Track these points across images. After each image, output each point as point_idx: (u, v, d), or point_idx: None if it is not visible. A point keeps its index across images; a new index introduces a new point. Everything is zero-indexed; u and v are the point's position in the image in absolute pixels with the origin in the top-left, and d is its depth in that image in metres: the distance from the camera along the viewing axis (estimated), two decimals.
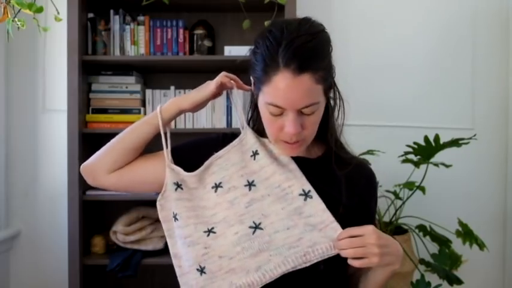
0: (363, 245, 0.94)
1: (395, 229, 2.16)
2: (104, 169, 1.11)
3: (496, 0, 2.47)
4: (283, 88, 0.93)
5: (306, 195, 1.01)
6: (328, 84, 1.00)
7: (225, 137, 1.14)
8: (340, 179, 1.08)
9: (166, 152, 1.10)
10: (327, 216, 1.00)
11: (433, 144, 2.02)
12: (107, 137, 2.32)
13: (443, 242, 2.14)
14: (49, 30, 1.43)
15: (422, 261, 2.11)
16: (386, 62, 2.44)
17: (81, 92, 2.13)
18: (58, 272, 2.33)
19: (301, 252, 0.98)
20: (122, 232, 2.15)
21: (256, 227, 1.00)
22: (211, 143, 1.14)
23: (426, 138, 2.02)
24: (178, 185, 1.06)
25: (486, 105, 2.46)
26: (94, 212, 2.30)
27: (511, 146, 2.45)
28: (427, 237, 2.18)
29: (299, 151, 1.04)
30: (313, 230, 0.98)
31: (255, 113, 1.12)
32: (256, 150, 1.06)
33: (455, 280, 1.96)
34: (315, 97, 0.96)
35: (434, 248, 2.21)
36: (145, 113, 2.27)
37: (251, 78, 1.04)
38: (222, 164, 1.06)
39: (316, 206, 1.00)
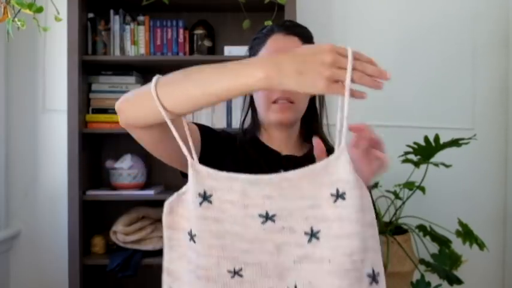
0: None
1: (395, 229, 2.16)
2: (138, 125, 0.85)
3: (496, 0, 2.47)
4: (275, 43, 1.08)
5: (373, 278, 0.74)
6: None
7: (241, 138, 1.14)
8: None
9: (192, 146, 0.81)
10: None
11: (433, 144, 2.02)
12: (107, 137, 2.34)
13: (443, 242, 2.14)
14: (49, 30, 1.43)
15: (422, 261, 2.11)
16: (386, 62, 2.42)
17: (81, 92, 2.13)
18: (58, 272, 2.33)
19: None
20: (122, 232, 2.15)
21: None
22: (231, 141, 1.12)
23: (426, 138, 2.02)
24: (205, 197, 0.77)
25: (486, 105, 2.46)
26: (94, 212, 2.30)
27: (511, 146, 2.45)
28: (427, 237, 2.18)
29: (289, 115, 1.10)
30: None
31: (249, 111, 1.19)
32: (344, 193, 0.72)
33: (455, 280, 1.96)
34: None
35: (434, 248, 2.21)
36: None
37: None
38: (286, 189, 0.75)
39: None
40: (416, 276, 2.10)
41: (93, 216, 2.29)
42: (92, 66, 2.23)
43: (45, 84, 2.40)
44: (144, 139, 0.89)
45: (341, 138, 0.72)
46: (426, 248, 2.16)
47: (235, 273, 0.77)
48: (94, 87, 2.25)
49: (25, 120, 2.40)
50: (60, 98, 2.32)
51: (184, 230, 0.81)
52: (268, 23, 1.99)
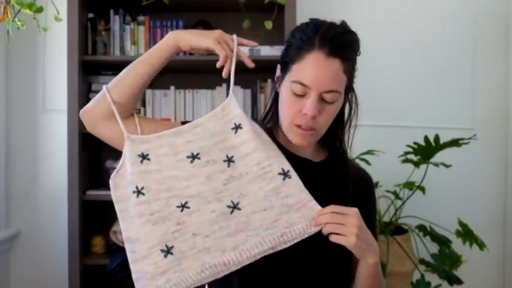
0: (343, 222, 0.93)
1: (395, 229, 2.16)
2: (97, 120, 1.05)
3: (496, 0, 2.47)
4: (313, 66, 0.98)
5: (285, 174, 0.98)
6: (350, 83, 1.04)
7: None
8: (340, 183, 1.10)
9: (127, 121, 1.04)
10: (305, 195, 0.97)
11: (433, 144, 2.02)
12: None
13: (443, 242, 2.14)
14: (49, 30, 1.43)
15: (422, 261, 2.11)
16: (386, 63, 2.44)
17: (81, 92, 2.13)
18: (58, 272, 2.33)
19: (278, 233, 0.94)
20: (122, 232, 2.14)
21: (234, 207, 0.95)
22: None
23: (426, 138, 2.02)
24: (144, 156, 0.99)
25: (486, 105, 2.46)
26: (94, 212, 2.30)
27: (511, 146, 2.45)
28: (427, 237, 2.18)
29: (310, 141, 1.05)
30: (289, 211, 0.95)
31: (272, 108, 1.12)
32: (240, 124, 1.00)
33: (455, 280, 1.96)
34: (339, 85, 1.00)
35: (434, 248, 2.21)
36: (145, 114, 2.27)
37: (277, 69, 1.08)
38: (201, 133, 1.01)
39: (294, 186, 0.97)
40: (416, 276, 2.10)
41: (93, 216, 2.29)
42: (92, 66, 2.23)
43: (45, 84, 2.40)
44: (107, 134, 1.05)
45: (231, 85, 1.02)
46: (426, 248, 2.16)
47: (183, 206, 0.96)
48: (94, 87, 2.25)
49: (25, 120, 2.40)
50: (60, 98, 2.32)
51: (130, 195, 0.97)
52: (269, 23, 2.00)
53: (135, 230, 0.96)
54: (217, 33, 1.04)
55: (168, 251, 0.92)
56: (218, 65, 1.03)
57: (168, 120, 2.23)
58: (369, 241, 0.97)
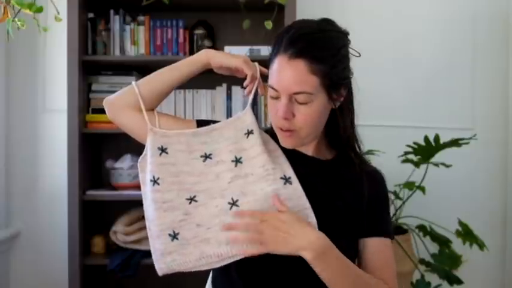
0: (258, 229, 0.97)
1: (395, 229, 2.16)
2: (120, 109, 1.14)
3: (496, 1, 2.47)
4: (278, 69, 1.01)
5: (286, 180, 1.04)
6: (330, 81, 1.00)
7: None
8: (347, 182, 1.10)
9: (148, 114, 1.11)
10: (303, 202, 1.02)
11: (433, 144, 2.03)
12: (107, 137, 2.34)
13: (443, 242, 2.14)
14: (49, 30, 1.43)
15: (422, 261, 2.11)
16: (386, 62, 2.44)
17: (81, 92, 2.13)
18: (58, 272, 2.33)
19: None
20: (122, 232, 2.15)
21: (233, 203, 1.02)
22: None
23: (426, 138, 2.02)
24: (163, 150, 1.08)
25: (486, 105, 2.47)
26: (94, 212, 2.30)
27: (511, 146, 2.45)
28: (427, 237, 2.18)
29: (293, 143, 1.07)
30: None
31: None
32: (252, 130, 1.08)
33: (455, 280, 1.96)
34: (307, 86, 0.99)
35: (434, 248, 2.22)
36: None
37: None
38: (215, 136, 1.09)
39: (294, 191, 1.03)
40: (416, 276, 2.10)
41: (93, 216, 2.29)
42: (92, 66, 2.23)
43: (45, 84, 2.40)
44: (127, 123, 1.13)
45: (249, 100, 1.10)
46: (426, 248, 2.17)
47: (191, 199, 1.05)
48: (94, 87, 2.25)
49: (25, 120, 2.40)
50: (60, 98, 2.31)
51: (148, 182, 1.07)
52: (268, 23, 2.00)
53: (150, 212, 1.06)
54: (244, 56, 1.12)
55: (174, 236, 1.03)
56: (245, 84, 1.09)
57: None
58: (296, 236, 0.95)
